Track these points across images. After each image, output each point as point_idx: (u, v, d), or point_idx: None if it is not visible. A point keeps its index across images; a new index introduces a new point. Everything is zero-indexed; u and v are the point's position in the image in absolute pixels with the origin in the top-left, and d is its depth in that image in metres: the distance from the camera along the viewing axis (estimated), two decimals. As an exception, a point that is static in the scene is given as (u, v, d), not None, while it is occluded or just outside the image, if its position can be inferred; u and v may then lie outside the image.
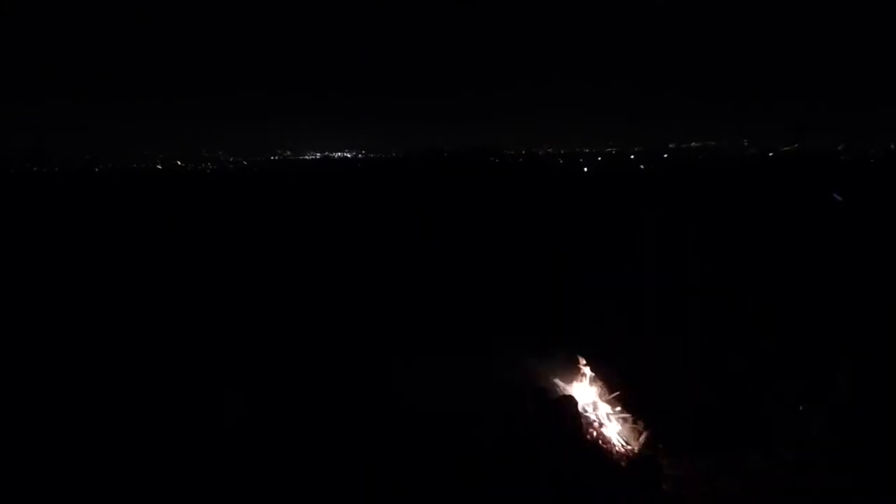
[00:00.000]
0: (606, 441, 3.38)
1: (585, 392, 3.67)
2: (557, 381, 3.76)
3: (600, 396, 3.69)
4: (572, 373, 3.78)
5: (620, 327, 5.05)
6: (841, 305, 3.20)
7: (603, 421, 3.54)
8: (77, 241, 12.12)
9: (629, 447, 3.40)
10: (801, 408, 3.01)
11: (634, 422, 3.58)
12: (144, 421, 3.54)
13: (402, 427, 3.19)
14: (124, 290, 7.36)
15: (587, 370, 3.79)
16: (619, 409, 3.62)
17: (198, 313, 6.12)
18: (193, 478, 2.94)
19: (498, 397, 3.50)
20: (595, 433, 3.40)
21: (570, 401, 3.31)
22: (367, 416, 3.35)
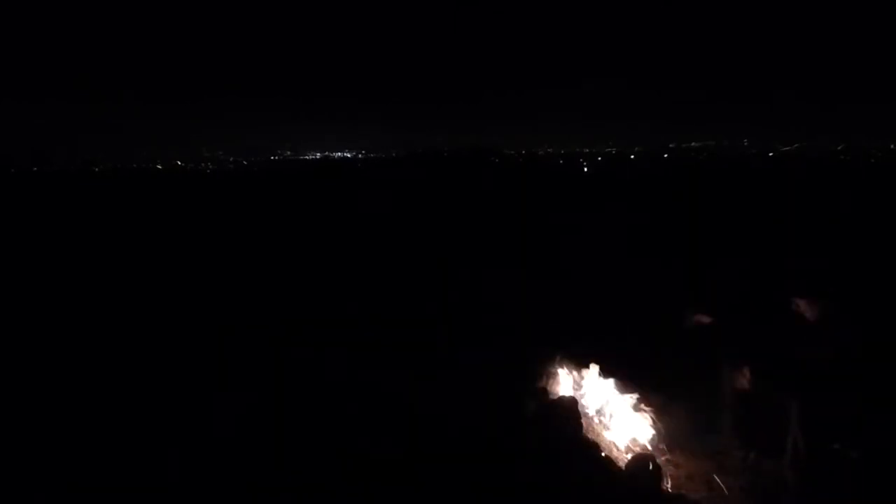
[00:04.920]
0: (606, 441, 3.39)
1: (586, 392, 3.67)
2: (557, 380, 3.76)
3: (601, 397, 3.69)
4: (572, 373, 3.78)
5: (621, 327, 5.05)
6: (841, 305, 3.20)
7: (603, 421, 3.55)
8: (77, 240, 12.13)
9: (629, 447, 3.40)
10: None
11: (634, 421, 3.58)
12: (143, 422, 3.55)
13: (398, 428, 3.19)
14: (124, 289, 7.36)
15: (588, 371, 3.79)
16: (619, 409, 3.63)
17: (198, 313, 6.12)
18: (192, 478, 2.94)
19: (497, 397, 3.50)
20: (595, 433, 3.40)
21: (571, 401, 3.31)
22: (364, 416, 3.35)
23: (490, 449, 2.92)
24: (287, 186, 32.55)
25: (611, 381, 3.75)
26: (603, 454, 3.05)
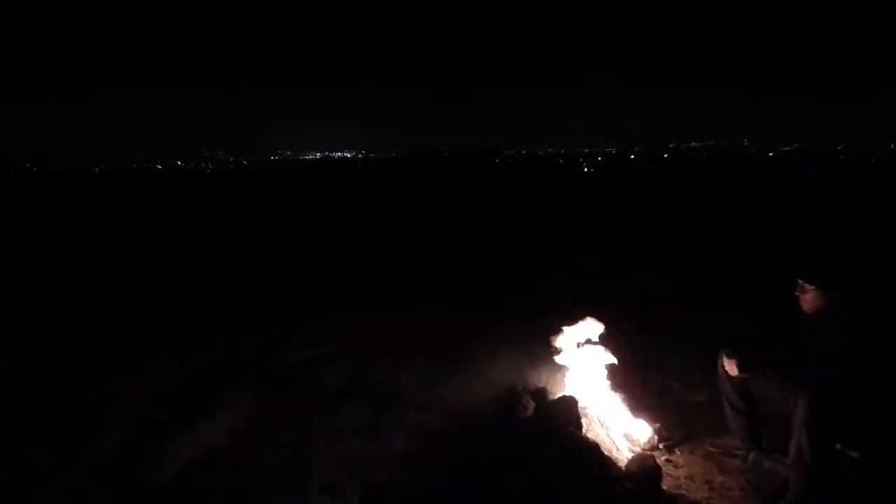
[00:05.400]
0: (606, 441, 3.38)
1: (585, 391, 3.66)
2: (557, 380, 3.75)
3: (601, 396, 3.68)
4: (572, 372, 3.77)
5: (621, 328, 5.03)
6: (843, 305, 3.20)
7: (603, 420, 3.54)
8: (77, 240, 12.13)
9: (629, 447, 3.39)
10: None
11: (634, 421, 3.57)
12: (140, 422, 3.54)
13: (395, 430, 3.17)
14: (125, 290, 7.36)
15: (588, 370, 3.78)
16: (619, 408, 3.62)
17: (198, 314, 6.12)
18: (190, 480, 2.94)
19: (495, 396, 3.49)
20: (595, 433, 3.39)
21: (570, 400, 3.30)
22: (359, 417, 3.34)
23: (488, 450, 2.91)
24: (287, 186, 32.56)
25: (611, 381, 3.74)
26: (603, 454, 3.04)
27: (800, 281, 2.84)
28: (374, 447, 3.03)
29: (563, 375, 3.77)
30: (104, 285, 7.56)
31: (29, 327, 5.59)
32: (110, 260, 9.58)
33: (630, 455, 3.22)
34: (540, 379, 3.71)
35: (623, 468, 2.97)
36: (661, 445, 3.42)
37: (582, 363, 3.80)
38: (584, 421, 3.30)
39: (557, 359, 3.78)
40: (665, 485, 2.97)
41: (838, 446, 2.72)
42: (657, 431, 3.47)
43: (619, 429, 3.49)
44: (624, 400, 3.66)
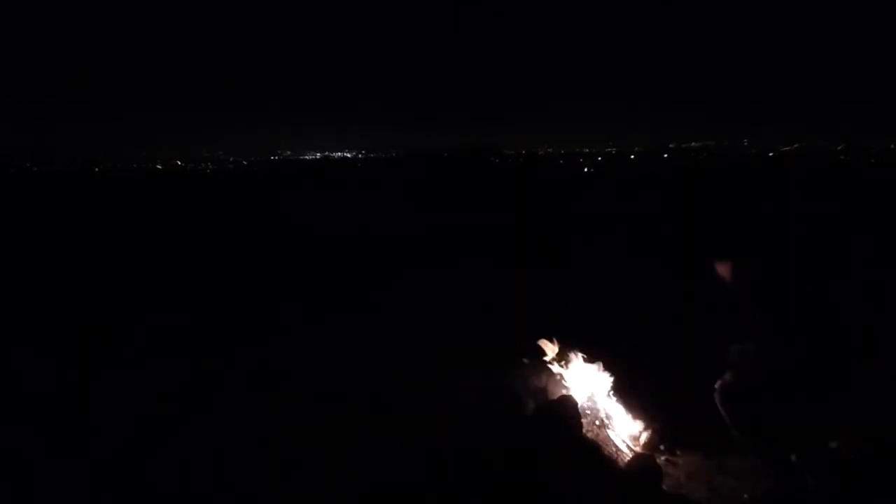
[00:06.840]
0: (606, 441, 3.38)
1: (585, 392, 3.66)
2: (557, 380, 3.75)
3: (601, 396, 3.68)
4: (572, 373, 3.77)
5: (620, 327, 5.04)
6: (841, 307, 3.19)
7: (603, 421, 3.54)
8: (77, 241, 12.13)
9: (629, 447, 3.39)
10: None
11: (634, 421, 3.57)
12: (142, 423, 3.54)
13: (393, 431, 3.18)
14: (124, 290, 7.37)
15: (587, 370, 3.78)
16: (619, 408, 3.62)
17: (197, 314, 6.12)
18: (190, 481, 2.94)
19: (494, 397, 3.49)
20: (595, 433, 3.39)
21: (570, 401, 3.30)
22: (358, 419, 3.34)
23: (488, 450, 2.91)
24: (287, 186, 32.58)
25: (611, 380, 3.74)
26: (603, 454, 3.04)
27: (798, 298, 2.90)
28: (375, 447, 3.03)
29: (563, 376, 3.77)
30: (104, 286, 7.56)
31: (29, 327, 5.59)
32: (111, 260, 9.58)
33: (630, 455, 3.22)
34: (540, 379, 3.71)
35: (623, 468, 2.97)
36: (661, 445, 3.42)
37: (582, 364, 3.80)
38: (583, 421, 3.30)
39: (557, 361, 3.77)
40: (665, 485, 2.97)
41: (834, 445, 2.72)
42: (657, 431, 3.47)
43: (619, 429, 3.49)
44: (624, 400, 3.66)
